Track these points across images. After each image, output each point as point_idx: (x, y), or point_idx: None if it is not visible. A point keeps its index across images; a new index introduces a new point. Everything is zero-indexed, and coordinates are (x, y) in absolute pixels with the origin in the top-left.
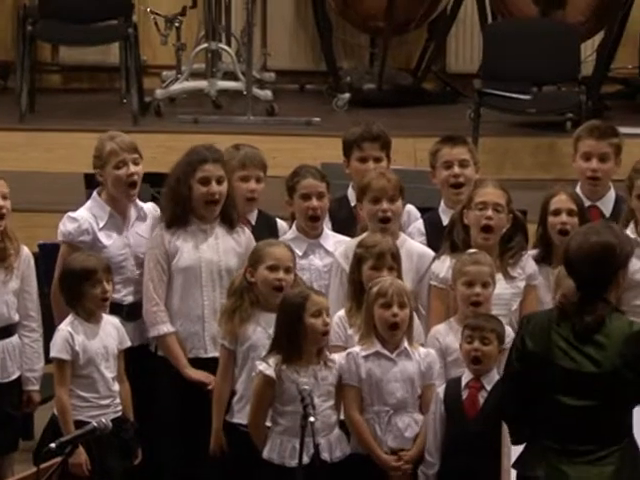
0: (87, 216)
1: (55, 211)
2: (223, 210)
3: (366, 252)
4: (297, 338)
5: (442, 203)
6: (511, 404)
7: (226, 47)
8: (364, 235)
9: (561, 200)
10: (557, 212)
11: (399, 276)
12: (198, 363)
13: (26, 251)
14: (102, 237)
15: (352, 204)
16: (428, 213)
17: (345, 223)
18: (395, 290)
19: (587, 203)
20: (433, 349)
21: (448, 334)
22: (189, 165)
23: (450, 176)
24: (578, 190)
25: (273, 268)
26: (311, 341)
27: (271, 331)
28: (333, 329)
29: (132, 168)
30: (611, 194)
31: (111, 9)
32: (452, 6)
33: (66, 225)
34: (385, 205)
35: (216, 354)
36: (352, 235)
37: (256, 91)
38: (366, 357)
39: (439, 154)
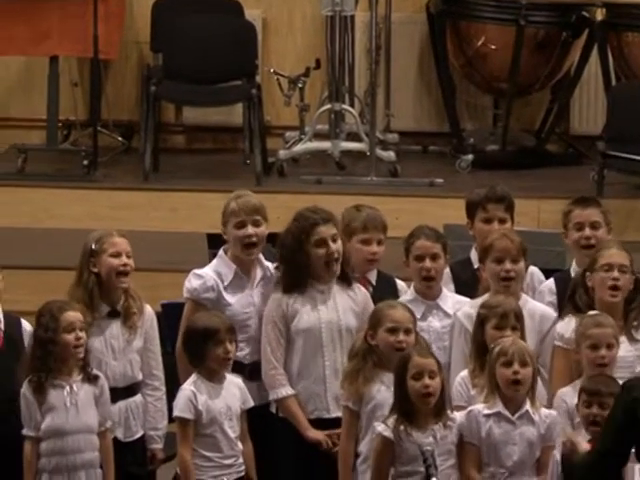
0: (212, 274)
1: (178, 271)
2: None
3: (489, 312)
4: (404, 400)
5: (574, 263)
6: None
7: (349, 108)
8: (486, 296)
9: None
10: None
11: (522, 337)
12: (321, 424)
13: (149, 310)
14: (227, 295)
15: (475, 266)
16: (559, 272)
17: (468, 285)
18: (516, 349)
19: None
20: (560, 411)
21: (574, 396)
22: (302, 231)
23: (582, 237)
24: None
25: (393, 330)
26: (417, 403)
27: None
28: (455, 389)
29: (250, 230)
30: None
31: (235, 70)
32: (576, 68)
33: (191, 282)
34: (508, 265)
35: (339, 414)
36: (474, 297)
37: (379, 152)
38: (487, 416)
39: (571, 215)
